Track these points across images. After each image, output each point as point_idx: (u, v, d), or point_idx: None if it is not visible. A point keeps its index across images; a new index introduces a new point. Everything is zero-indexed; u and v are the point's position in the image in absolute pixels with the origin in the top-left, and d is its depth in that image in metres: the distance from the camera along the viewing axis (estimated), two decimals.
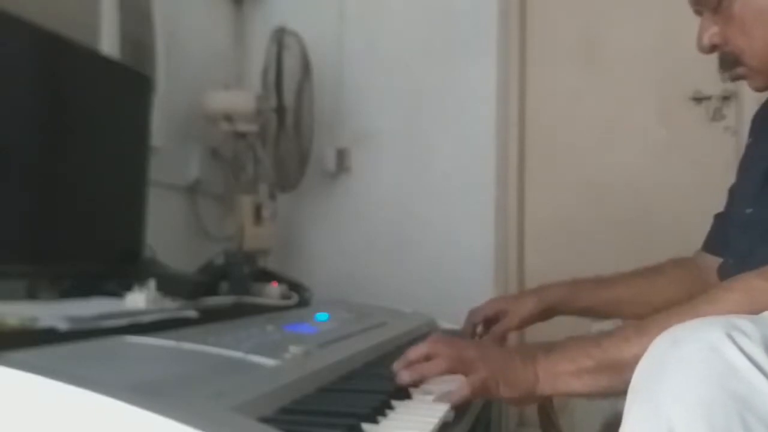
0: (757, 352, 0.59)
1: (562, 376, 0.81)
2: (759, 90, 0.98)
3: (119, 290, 1.17)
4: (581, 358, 0.81)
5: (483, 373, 0.82)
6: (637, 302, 1.18)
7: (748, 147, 1.09)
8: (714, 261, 1.14)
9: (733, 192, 1.15)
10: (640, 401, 0.62)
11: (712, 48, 0.95)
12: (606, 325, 1.11)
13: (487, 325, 1.31)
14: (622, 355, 0.77)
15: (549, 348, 0.85)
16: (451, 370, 0.83)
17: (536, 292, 1.29)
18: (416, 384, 0.84)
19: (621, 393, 0.77)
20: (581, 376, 0.80)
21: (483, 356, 0.85)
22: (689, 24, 1.00)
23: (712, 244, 1.19)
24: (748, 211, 0.98)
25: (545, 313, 1.27)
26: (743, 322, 0.62)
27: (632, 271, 1.25)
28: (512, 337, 1.45)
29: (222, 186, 2.16)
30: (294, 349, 0.85)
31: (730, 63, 0.96)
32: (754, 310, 0.72)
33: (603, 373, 0.79)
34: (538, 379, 0.82)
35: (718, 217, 1.20)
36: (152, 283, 1.17)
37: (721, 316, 0.66)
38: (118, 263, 1.39)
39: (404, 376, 0.83)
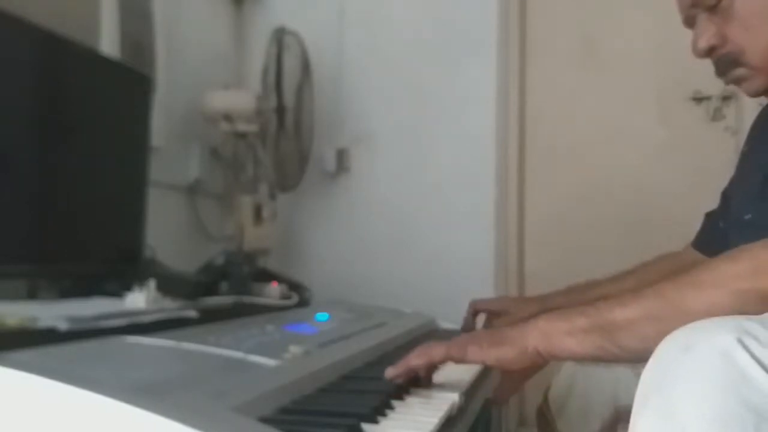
0: None
1: (555, 333, 0.80)
2: (755, 94, 0.97)
3: (119, 290, 1.18)
4: (575, 317, 0.79)
5: (465, 338, 0.83)
6: None
7: (744, 155, 1.09)
8: (702, 258, 1.17)
9: (726, 195, 1.16)
10: (651, 407, 0.60)
11: (710, 50, 0.94)
12: None
13: (488, 319, 1.37)
14: (615, 316, 0.76)
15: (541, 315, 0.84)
16: (436, 358, 0.83)
17: (539, 300, 1.34)
18: (415, 381, 0.84)
19: (614, 359, 0.78)
20: (575, 335, 0.78)
21: (470, 333, 0.85)
22: None
23: (701, 242, 1.22)
24: (747, 217, 0.98)
25: None
26: (754, 325, 0.61)
27: (622, 271, 1.27)
28: None
29: (222, 186, 2.16)
30: (294, 349, 0.86)
31: (729, 65, 0.94)
32: (757, 281, 0.70)
33: (596, 332, 0.77)
34: (530, 336, 0.81)
35: (709, 216, 1.21)
36: (152, 283, 1.17)
37: (731, 317, 0.64)
38: (118, 263, 1.39)
39: (389, 371, 0.83)
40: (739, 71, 0.94)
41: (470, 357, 0.83)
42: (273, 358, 0.80)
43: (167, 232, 1.82)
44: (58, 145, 1.22)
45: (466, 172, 2.22)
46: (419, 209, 2.25)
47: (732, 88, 2.09)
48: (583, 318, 0.78)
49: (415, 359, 0.84)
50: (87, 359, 0.71)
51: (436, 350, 0.84)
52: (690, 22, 0.97)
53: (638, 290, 0.79)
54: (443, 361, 0.85)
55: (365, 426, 0.64)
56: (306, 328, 1.11)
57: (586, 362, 0.99)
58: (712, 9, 0.92)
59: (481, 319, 1.39)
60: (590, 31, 2.28)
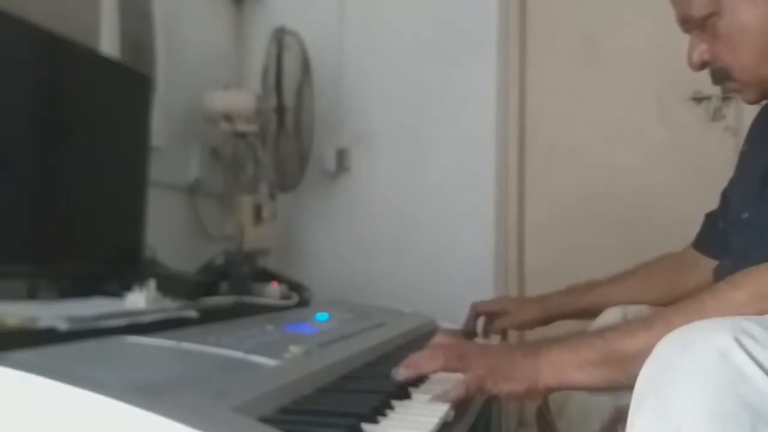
0: (765, 357, 0.58)
1: (565, 367, 0.80)
2: (751, 103, 0.99)
3: (119, 290, 1.18)
4: (585, 349, 0.80)
5: (480, 370, 0.82)
6: (626, 300, 1.19)
7: (743, 154, 1.10)
8: (702, 258, 1.20)
9: (725, 196, 1.17)
10: (648, 407, 0.61)
11: (703, 65, 0.96)
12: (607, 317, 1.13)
13: (489, 319, 1.37)
14: (626, 348, 0.77)
15: (552, 341, 0.84)
16: (448, 367, 0.83)
17: (539, 300, 1.35)
18: (415, 382, 0.84)
19: (624, 387, 0.77)
20: (584, 368, 0.79)
21: (482, 353, 0.85)
22: None
23: (701, 243, 1.24)
24: (744, 215, 0.99)
25: (545, 321, 1.33)
26: (751, 324, 0.61)
27: (622, 271, 1.28)
28: (512, 336, 1.46)
29: (222, 186, 2.16)
30: (294, 349, 0.85)
31: (721, 78, 0.97)
32: (762, 305, 0.71)
33: (606, 365, 0.78)
34: (541, 371, 0.81)
35: (709, 217, 1.22)
36: (152, 283, 1.17)
37: (729, 317, 0.64)
38: (118, 263, 1.39)
39: (400, 372, 0.83)
40: (732, 84, 0.97)
41: (486, 389, 0.83)
42: (273, 358, 0.80)
43: (167, 232, 1.82)
44: (58, 145, 1.22)
45: (466, 172, 2.22)
46: (419, 209, 2.25)
47: None
48: (592, 351, 0.79)
49: (429, 365, 0.84)
50: (87, 359, 0.71)
51: (450, 362, 0.83)
52: (687, 31, 0.98)
53: (646, 320, 0.80)
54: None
55: (365, 426, 0.64)
56: (306, 328, 1.11)
57: (596, 393, 1.00)
58: (701, 27, 0.94)
59: (482, 321, 1.39)
60: (590, 31, 2.28)
